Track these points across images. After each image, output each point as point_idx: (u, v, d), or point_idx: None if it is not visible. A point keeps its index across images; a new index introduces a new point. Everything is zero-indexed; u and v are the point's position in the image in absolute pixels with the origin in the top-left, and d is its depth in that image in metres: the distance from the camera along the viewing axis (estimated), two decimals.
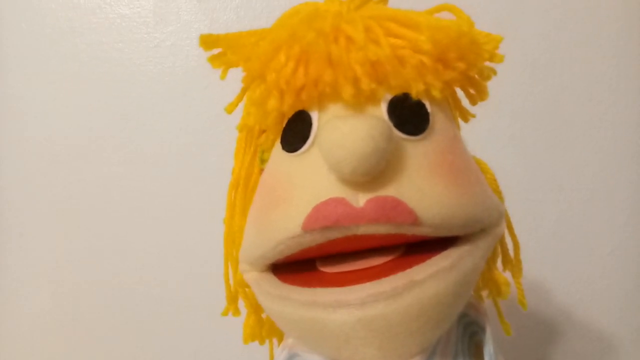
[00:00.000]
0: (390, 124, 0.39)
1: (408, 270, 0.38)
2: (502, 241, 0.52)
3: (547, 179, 0.85)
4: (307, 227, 0.37)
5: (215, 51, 0.45)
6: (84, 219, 0.92)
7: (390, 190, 0.37)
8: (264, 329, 0.54)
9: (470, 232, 0.42)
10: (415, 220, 0.37)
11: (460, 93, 0.48)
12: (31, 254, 0.93)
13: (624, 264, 0.84)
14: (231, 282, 0.53)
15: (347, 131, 0.35)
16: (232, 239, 0.51)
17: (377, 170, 0.37)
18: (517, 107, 0.85)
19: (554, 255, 0.84)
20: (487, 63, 0.44)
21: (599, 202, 0.85)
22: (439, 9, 0.46)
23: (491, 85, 0.47)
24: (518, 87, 0.85)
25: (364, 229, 0.37)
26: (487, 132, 0.80)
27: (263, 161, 0.46)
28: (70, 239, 0.92)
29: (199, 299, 0.88)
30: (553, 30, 0.85)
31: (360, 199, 0.37)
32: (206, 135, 0.90)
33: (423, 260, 0.39)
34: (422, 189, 0.38)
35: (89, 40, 0.92)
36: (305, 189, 0.39)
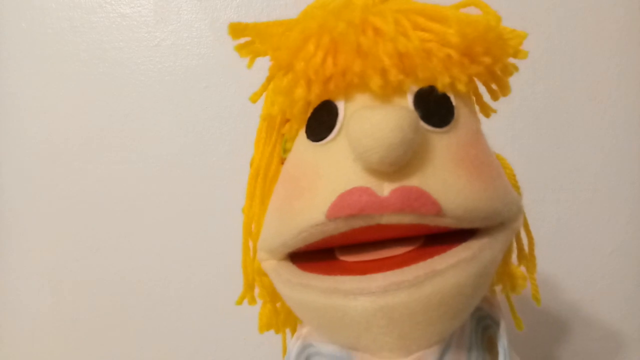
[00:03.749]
0: (417, 115, 0.39)
1: (429, 260, 0.39)
2: (517, 236, 0.52)
3: (548, 179, 0.85)
4: (332, 215, 0.38)
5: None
6: (84, 218, 0.91)
7: (414, 181, 0.38)
8: (280, 318, 0.54)
9: (491, 225, 0.42)
10: (439, 211, 0.38)
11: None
12: (31, 254, 0.92)
13: (625, 264, 0.85)
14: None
15: (376, 121, 0.36)
16: (250, 229, 0.51)
17: (404, 161, 0.37)
18: (518, 106, 0.85)
19: (555, 255, 0.85)
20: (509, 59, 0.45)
21: (600, 201, 0.85)
22: (465, 4, 0.46)
23: None
24: (519, 86, 0.85)
25: (387, 219, 0.37)
26: (488, 131, 0.80)
27: (285, 151, 0.46)
28: (70, 238, 0.91)
29: (200, 298, 0.88)
30: (554, 29, 0.86)
31: (385, 189, 0.37)
32: (206, 134, 0.90)
33: (444, 251, 0.40)
34: (446, 180, 0.39)
35: (90, 39, 0.92)
36: (330, 178, 0.39)
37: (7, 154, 0.93)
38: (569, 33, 0.86)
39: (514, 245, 0.52)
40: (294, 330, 0.54)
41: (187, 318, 0.89)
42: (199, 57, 0.91)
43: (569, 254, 0.85)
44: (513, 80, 0.83)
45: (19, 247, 0.92)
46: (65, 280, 0.91)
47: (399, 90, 0.40)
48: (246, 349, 0.87)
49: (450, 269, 0.38)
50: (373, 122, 0.36)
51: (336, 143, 0.40)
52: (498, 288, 0.53)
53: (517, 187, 0.50)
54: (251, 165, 0.51)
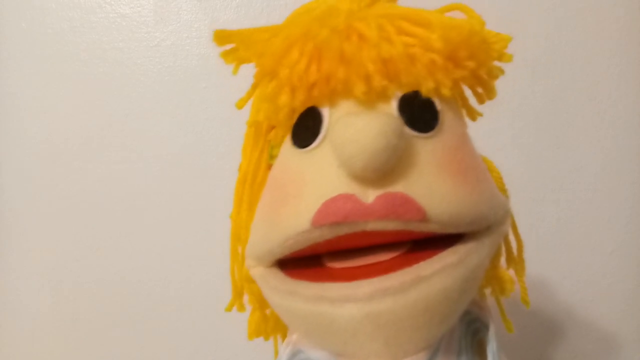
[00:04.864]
0: (401, 121, 0.39)
1: (415, 266, 0.39)
2: (506, 239, 0.52)
3: (548, 179, 0.85)
4: (317, 223, 0.38)
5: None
6: (84, 218, 0.92)
7: (399, 187, 0.38)
8: (269, 325, 0.54)
9: (477, 230, 0.42)
10: (424, 217, 0.37)
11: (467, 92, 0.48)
12: (31, 254, 0.93)
13: (625, 264, 0.84)
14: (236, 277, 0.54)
15: (360, 127, 0.36)
16: (238, 235, 0.51)
17: (388, 167, 0.37)
18: (517, 106, 0.85)
19: (555, 255, 0.85)
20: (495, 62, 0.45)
21: (600, 201, 0.85)
22: (450, 8, 0.46)
23: None
24: (519, 86, 0.85)
25: (372, 225, 0.37)
26: (488, 131, 0.79)
27: (272, 157, 0.46)
28: (70, 238, 0.92)
29: (200, 298, 0.88)
30: (554, 29, 0.85)
31: (370, 195, 0.37)
32: (206, 134, 0.90)
33: (430, 256, 0.39)
34: (431, 186, 0.38)
35: (89, 39, 0.93)
36: (315, 185, 0.39)
37: (7, 154, 0.93)
38: (569, 33, 0.85)
39: (503, 248, 0.52)
40: (284, 337, 0.54)
41: (187, 318, 0.89)
42: (199, 57, 0.91)
43: (569, 254, 0.85)
44: (513, 81, 0.83)
45: (19, 247, 0.93)
46: (65, 280, 0.92)
47: (383, 96, 0.40)
48: (246, 349, 0.86)
49: (436, 274, 0.38)
50: (357, 128, 0.36)
51: (321, 149, 0.40)
52: (488, 291, 0.53)
53: (504, 191, 0.50)
54: (239, 171, 0.51)
